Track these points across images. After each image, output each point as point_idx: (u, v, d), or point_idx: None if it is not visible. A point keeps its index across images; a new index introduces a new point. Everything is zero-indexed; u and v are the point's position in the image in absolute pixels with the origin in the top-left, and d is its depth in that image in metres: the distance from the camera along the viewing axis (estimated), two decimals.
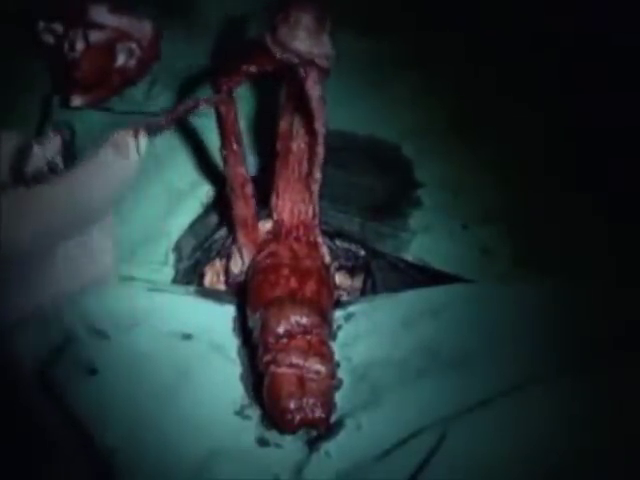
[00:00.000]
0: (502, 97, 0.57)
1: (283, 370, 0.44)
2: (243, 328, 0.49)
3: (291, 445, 0.44)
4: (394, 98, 0.59)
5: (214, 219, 0.54)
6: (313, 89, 0.44)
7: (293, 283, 0.47)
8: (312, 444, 0.44)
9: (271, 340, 0.45)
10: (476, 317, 0.49)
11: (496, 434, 0.43)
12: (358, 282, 0.54)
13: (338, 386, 0.46)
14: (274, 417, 0.44)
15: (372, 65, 0.60)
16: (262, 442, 0.45)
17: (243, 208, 0.49)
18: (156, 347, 0.46)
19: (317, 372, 0.44)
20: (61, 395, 0.43)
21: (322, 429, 0.44)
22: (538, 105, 0.56)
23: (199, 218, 0.54)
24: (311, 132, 0.45)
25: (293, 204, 0.50)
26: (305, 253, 0.49)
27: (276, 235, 0.50)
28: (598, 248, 0.51)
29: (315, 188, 0.48)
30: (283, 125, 0.47)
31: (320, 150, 0.46)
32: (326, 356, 0.45)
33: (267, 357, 0.45)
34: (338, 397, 0.46)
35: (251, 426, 0.45)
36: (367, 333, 0.49)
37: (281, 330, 0.45)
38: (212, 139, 0.54)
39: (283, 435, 0.44)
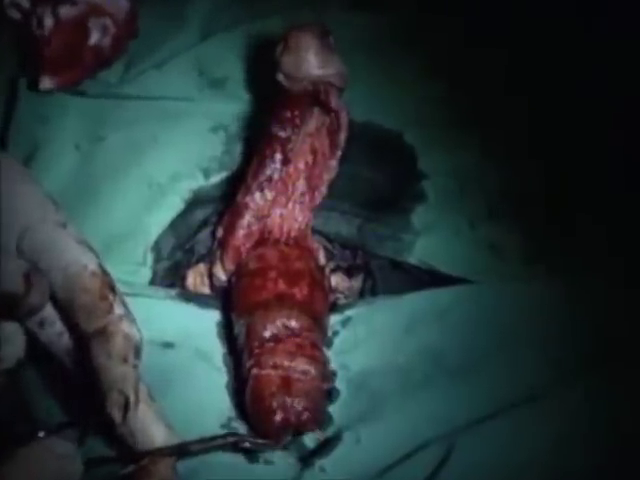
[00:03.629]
0: (512, 84, 0.58)
1: (266, 372, 0.45)
2: (229, 335, 0.50)
3: (282, 461, 0.45)
4: (395, 81, 0.60)
5: (197, 216, 0.55)
6: (339, 108, 0.48)
7: (281, 286, 0.49)
8: (305, 460, 0.45)
9: (256, 344, 0.46)
10: (485, 320, 0.50)
11: (508, 447, 0.44)
12: (356, 283, 0.55)
13: (335, 396, 0.48)
14: (256, 420, 0.45)
15: (371, 44, 0.60)
16: (251, 458, 0.46)
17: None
18: None
19: (304, 372, 0.45)
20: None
21: (310, 431, 0.45)
22: (553, 92, 0.58)
23: (180, 215, 0.55)
24: (331, 147, 0.50)
25: (283, 221, 0.52)
26: (296, 255, 0.51)
27: (263, 243, 0.52)
28: (614, 245, 0.52)
29: (315, 204, 0.51)
30: (287, 144, 0.51)
31: (335, 165, 0.50)
32: (316, 358, 0.46)
33: (250, 361, 0.46)
34: (335, 408, 0.47)
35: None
36: (366, 339, 0.50)
37: (267, 334, 0.46)
38: (197, 126, 0.57)
39: (273, 451, 0.45)
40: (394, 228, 0.55)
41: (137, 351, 0.39)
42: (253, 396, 0.45)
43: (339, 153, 0.51)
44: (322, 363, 0.47)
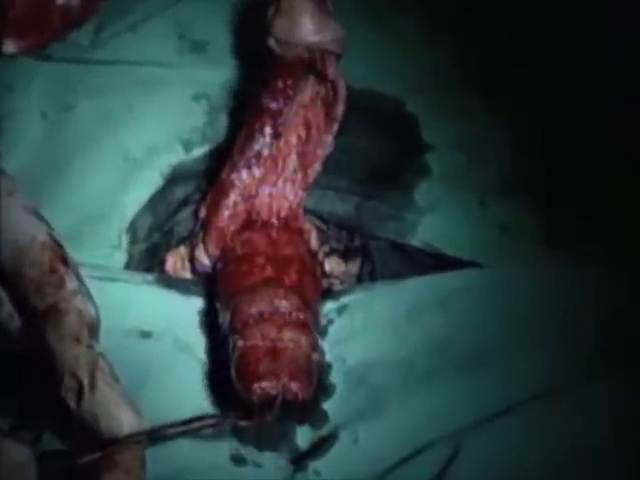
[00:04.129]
0: (521, 48, 0.58)
1: (252, 342, 0.45)
2: (213, 324, 0.49)
3: (272, 464, 0.45)
4: (396, 44, 0.59)
5: (177, 194, 0.55)
6: (336, 78, 0.47)
7: (269, 272, 0.48)
8: (298, 462, 0.45)
9: (241, 324, 0.46)
10: (495, 307, 0.49)
11: (520, 448, 0.44)
12: (353, 267, 0.55)
13: (330, 391, 0.48)
14: (241, 390, 0.44)
15: (370, 6, 0.60)
16: (238, 460, 0.46)
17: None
18: (110, 348, 0.44)
19: (293, 341, 0.45)
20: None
21: (300, 408, 0.44)
22: (568, 54, 0.57)
23: (158, 192, 0.54)
24: (326, 120, 0.49)
25: (272, 200, 0.51)
26: (285, 240, 0.51)
27: (250, 225, 0.52)
28: (633, 225, 0.51)
29: (308, 183, 0.50)
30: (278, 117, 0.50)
31: (330, 140, 0.49)
32: (307, 327, 0.46)
33: (235, 336, 0.46)
34: (330, 405, 0.47)
35: (222, 437, 0.46)
36: (364, 328, 0.50)
37: (253, 311, 0.46)
38: (177, 95, 0.56)
39: (261, 451, 0.45)
40: (395, 206, 0.54)
41: (92, 330, 0.38)
42: (238, 367, 0.45)
43: (335, 127, 0.50)
44: (312, 332, 0.46)
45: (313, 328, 0.47)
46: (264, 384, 0.43)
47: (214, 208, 0.52)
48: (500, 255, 0.52)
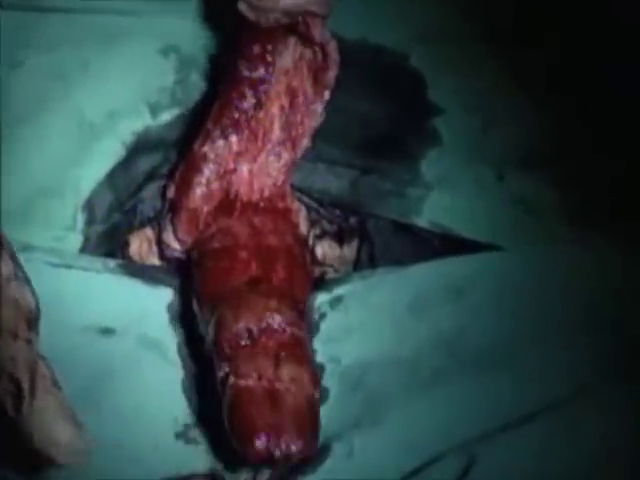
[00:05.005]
0: None
1: (247, 383, 0.44)
2: (186, 319, 0.49)
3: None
4: None
5: (141, 167, 0.53)
6: (325, 41, 0.46)
7: (254, 269, 0.48)
8: (286, 478, 0.45)
9: (229, 345, 0.45)
10: (514, 298, 0.48)
11: (540, 460, 0.43)
12: (349, 252, 0.54)
13: (322, 398, 0.46)
14: (234, 442, 0.44)
15: None
16: (215, 478, 0.45)
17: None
18: (65, 347, 0.45)
19: (294, 380, 0.44)
20: None
21: (303, 462, 0.45)
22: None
23: (120, 165, 0.52)
24: (315, 87, 0.48)
25: (253, 177, 0.51)
26: (270, 227, 0.50)
27: (228, 208, 0.51)
28: None
29: (295, 158, 0.50)
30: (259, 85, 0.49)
31: (320, 109, 0.48)
32: (304, 359, 0.45)
33: (225, 367, 0.45)
34: (322, 412, 0.45)
35: (199, 454, 0.46)
36: (361, 324, 0.49)
37: (241, 330, 0.45)
38: (142, 48, 0.53)
39: (247, 466, 0.45)
40: (398, 181, 0.53)
41: (31, 322, 0.37)
42: (232, 411, 0.44)
43: (326, 95, 0.49)
44: (311, 363, 0.46)
45: (308, 343, 0.47)
46: (264, 442, 0.42)
47: (184, 186, 0.51)
48: (520, 236, 0.52)
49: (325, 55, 0.48)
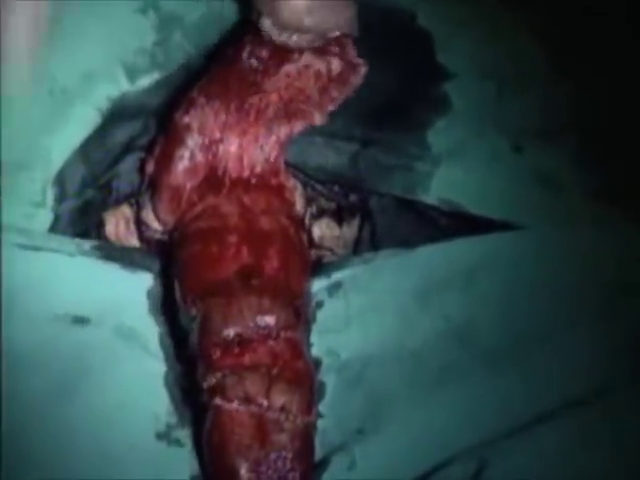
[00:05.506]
0: None
1: (233, 406, 0.44)
2: (167, 307, 0.48)
3: None
4: None
5: (118, 137, 0.52)
6: (356, 63, 0.49)
7: (245, 256, 0.47)
8: None
9: (216, 350, 0.45)
10: (533, 283, 0.48)
11: (553, 466, 0.43)
12: (350, 233, 0.54)
13: (318, 397, 0.46)
14: (214, 473, 0.44)
15: None
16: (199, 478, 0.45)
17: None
18: (35, 339, 0.45)
19: (284, 409, 0.44)
20: None
21: None
22: None
23: (94, 134, 0.51)
24: (323, 97, 0.49)
25: (243, 151, 0.50)
26: (262, 207, 0.49)
27: (214, 185, 0.50)
28: None
29: (292, 133, 0.49)
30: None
31: (321, 118, 0.49)
32: (299, 374, 0.45)
33: (210, 380, 0.44)
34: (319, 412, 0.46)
35: (183, 457, 0.45)
36: (362, 313, 0.48)
37: (230, 333, 0.45)
38: (118, 5, 0.52)
39: None
40: (403, 153, 0.52)
41: None
42: (214, 444, 0.44)
43: (330, 108, 0.50)
44: (308, 379, 0.45)
45: (305, 348, 0.46)
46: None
47: (165, 160, 0.50)
48: (538, 214, 0.50)
49: (349, 74, 0.50)
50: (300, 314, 0.47)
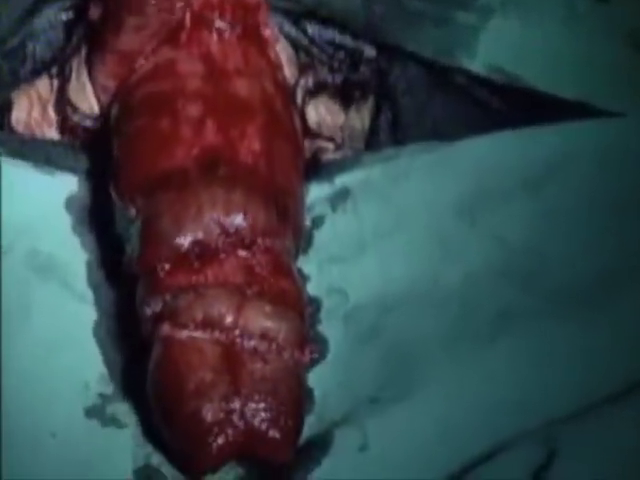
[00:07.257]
0: None
1: (190, 335, 0.40)
2: (98, 222, 0.46)
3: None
4: None
5: None
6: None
7: (210, 135, 0.43)
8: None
9: (163, 265, 0.41)
10: (624, 196, 0.44)
11: None
12: (359, 119, 0.49)
13: (319, 356, 0.43)
14: (171, 438, 0.40)
15: None
16: (147, 471, 0.41)
17: None
18: None
19: (265, 336, 0.40)
20: None
21: (278, 460, 0.40)
22: None
23: None
24: None
25: None
26: (237, 64, 0.45)
27: (172, 32, 0.46)
28: None
29: None
30: None
31: None
32: (286, 296, 0.41)
33: (155, 304, 0.41)
34: (318, 382, 0.42)
35: (123, 443, 0.42)
36: (380, 235, 0.45)
37: (185, 242, 0.41)
38: None
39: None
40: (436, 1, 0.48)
41: None
42: (164, 384, 0.40)
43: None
44: (301, 303, 0.41)
45: (293, 266, 0.42)
46: (215, 438, 0.39)
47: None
48: (634, 93, 0.47)
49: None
50: (288, 217, 0.42)
